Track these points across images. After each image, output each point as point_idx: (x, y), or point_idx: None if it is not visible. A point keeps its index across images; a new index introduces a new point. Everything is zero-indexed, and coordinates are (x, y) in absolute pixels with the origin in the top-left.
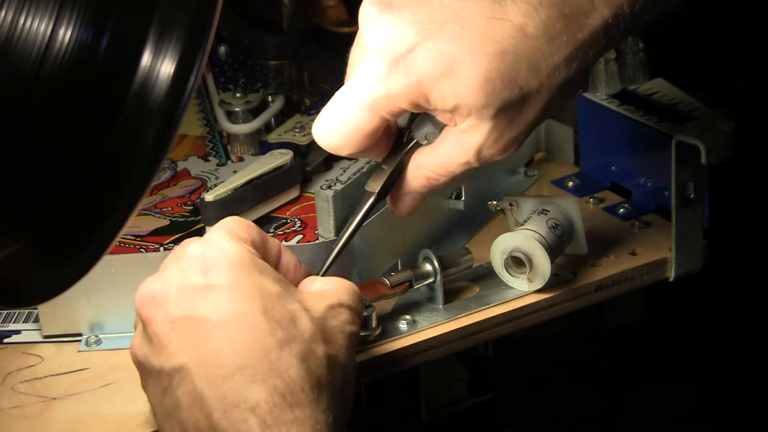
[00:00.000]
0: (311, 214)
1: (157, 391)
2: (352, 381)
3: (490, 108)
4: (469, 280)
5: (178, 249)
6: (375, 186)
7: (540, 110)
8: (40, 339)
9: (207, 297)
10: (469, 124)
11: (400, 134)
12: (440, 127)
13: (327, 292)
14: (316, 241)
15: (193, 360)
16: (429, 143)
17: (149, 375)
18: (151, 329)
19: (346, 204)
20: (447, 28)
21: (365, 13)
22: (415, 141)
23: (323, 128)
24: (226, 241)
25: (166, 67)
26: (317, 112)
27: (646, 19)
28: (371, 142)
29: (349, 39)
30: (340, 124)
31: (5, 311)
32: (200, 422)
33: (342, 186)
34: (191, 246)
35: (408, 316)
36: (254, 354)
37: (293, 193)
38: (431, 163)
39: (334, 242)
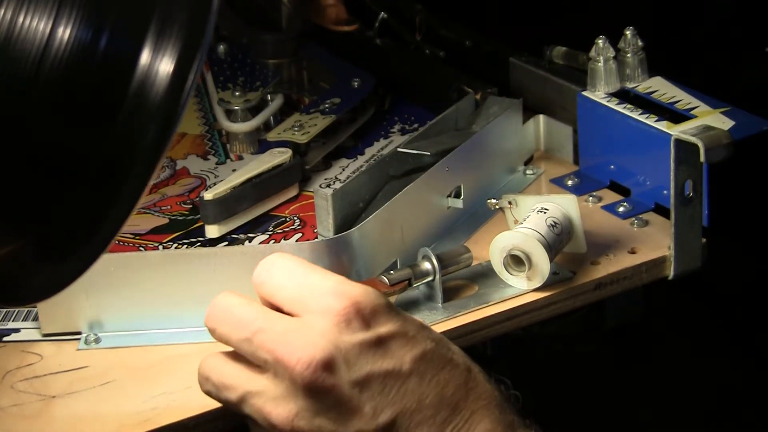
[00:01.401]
0: (310, 213)
1: None
2: None
3: None
4: (468, 279)
5: (274, 288)
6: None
7: None
8: (40, 337)
9: (383, 348)
10: None
11: None
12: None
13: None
14: (315, 240)
15: (399, 413)
16: None
17: None
18: (333, 397)
19: (345, 202)
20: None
21: None
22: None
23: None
24: (357, 286)
25: (165, 66)
26: (316, 111)
27: None
28: None
29: (348, 38)
30: None
31: (4, 309)
32: None
33: (341, 184)
34: (314, 290)
35: None
36: (454, 388)
37: (292, 192)
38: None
39: None
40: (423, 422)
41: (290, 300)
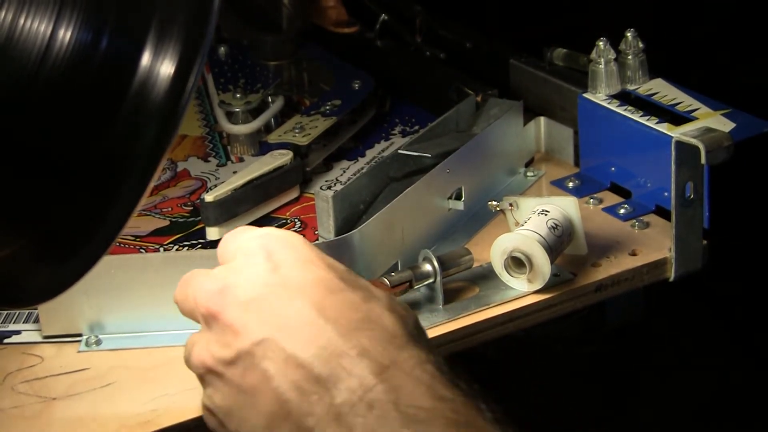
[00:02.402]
0: (311, 215)
1: (233, 382)
2: None
3: None
4: (469, 281)
5: (222, 250)
6: None
7: None
8: (40, 339)
9: (279, 274)
10: None
11: None
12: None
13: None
14: (317, 242)
15: (275, 329)
16: None
17: (224, 373)
18: (221, 322)
19: (346, 204)
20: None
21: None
22: None
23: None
24: (277, 231)
25: (166, 68)
26: (317, 113)
27: None
28: None
29: (348, 39)
30: None
31: (5, 311)
32: (299, 381)
33: (342, 186)
34: (240, 240)
35: None
36: (343, 309)
37: (293, 194)
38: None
39: None
40: (308, 338)
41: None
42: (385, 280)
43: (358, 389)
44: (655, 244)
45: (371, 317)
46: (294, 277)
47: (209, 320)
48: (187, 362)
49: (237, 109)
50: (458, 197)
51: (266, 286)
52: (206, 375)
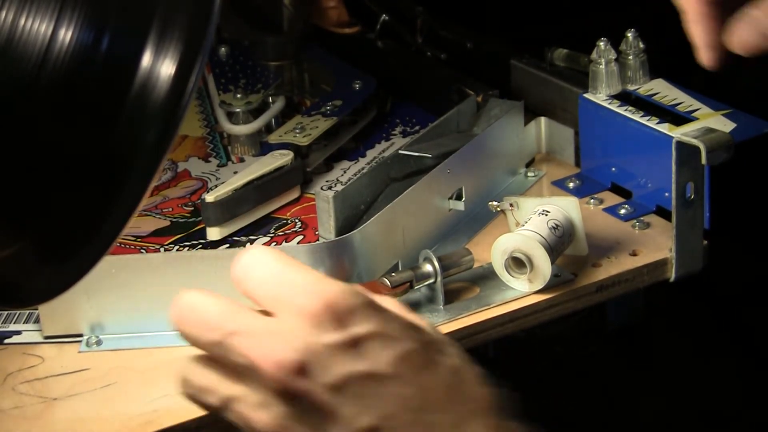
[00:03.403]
0: (312, 215)
1: None
2: None
3: None
4: (470, 281)
5: (257, 285)
6: None
7: None
8: (41, 339)
9: (359, 349)
10: None
11: None
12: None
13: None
14: (317, 242)
15: (379, 418)
16: None
17: None
18: (307, 402)
19: (346, 205)
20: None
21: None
22: None
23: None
24: (334, 284)
25: (167, 68)
26: (318, 113)
27: None
28: None
29: (349, 40)
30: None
31: (6, 312)
32: None
33: (343, 187)
34: (285, 284)
35: None
36: (439, 392)
37: (294, 194)
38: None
39: None
40: (405, 427)
41: (267, 298)
42: (386, 280)
43: None
44: (656, 245)
45: (466, 393)
46: (380, 353)
47: (290, 397)
48: (245, 422)
49: (238, 110)
50: (459, 197)
51: (354, 366)
52: None
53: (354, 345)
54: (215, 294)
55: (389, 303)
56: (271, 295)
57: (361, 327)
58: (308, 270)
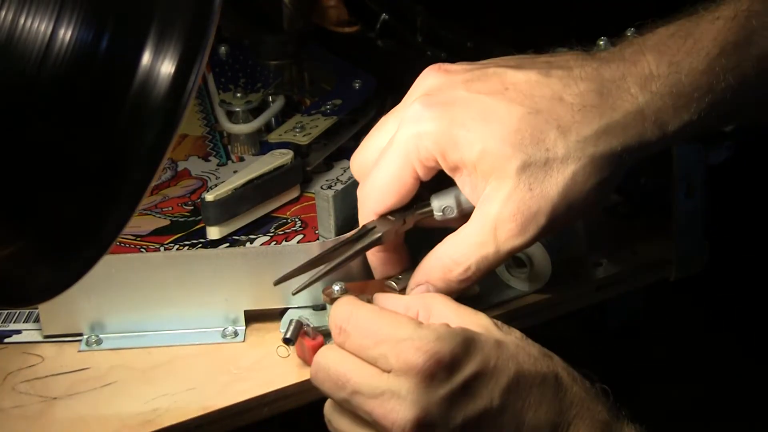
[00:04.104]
0: (312, 214)
1: None
2: None
3: (513, 161)
4: None
5: (366, 330)
6: (381, 229)
7: (562, 187)
8: (41, 339)
9: (471, 391)
10: (491, 186)
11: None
12: (459, 205)
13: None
14: (317, 241)
15: None
16: (444, 217)
17: None
18: None
19: (346, 204)
20: (492, 86)
21: (423, 73)
22: (429, 208)
23: (354, 159)
24: (432, 331)
25: (167, 67)
26: (317, 112)
27: (711, 124)
28: (397, 187)
29: (349, 39)
30: (366, 159)
31: (5, 311)
32: None
33: (342, 186)
34: (411, 356)
35: None
36: (547, 406)
37: (294, 193)
38: (447, 253)
39: (319, 264)
40: None
41: (374, 359)
42: (393, 283)
43: None
44: (656, 245)
45: (570, 402)
46: (492, 391)
47: None
48: None
49: (237, 109)
50: None
51: (468, 412)
52: None
53: (464, 389)
54: (344, 348)
55: (476, 324)
56: (377, 355)
57: (467, 370)
58: (401, 320)
